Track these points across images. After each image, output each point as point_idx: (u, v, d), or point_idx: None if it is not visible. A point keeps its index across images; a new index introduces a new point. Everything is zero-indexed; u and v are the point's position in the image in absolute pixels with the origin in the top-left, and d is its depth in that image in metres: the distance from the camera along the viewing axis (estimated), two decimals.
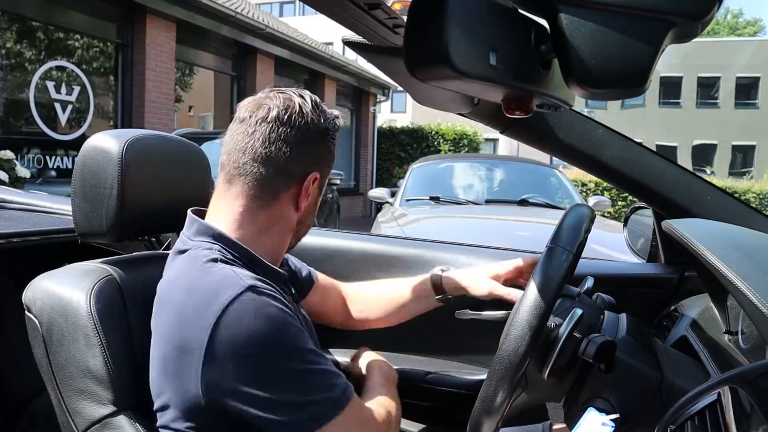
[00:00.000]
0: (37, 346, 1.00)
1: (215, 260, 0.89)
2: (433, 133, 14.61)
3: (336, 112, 1.01)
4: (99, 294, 0.98)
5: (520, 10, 0.62)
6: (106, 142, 1.07)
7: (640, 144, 1.35)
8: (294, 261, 1.25)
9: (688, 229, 0.93)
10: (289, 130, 0.93)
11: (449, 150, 14.20)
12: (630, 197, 12.81)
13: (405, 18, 0.60)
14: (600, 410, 0.87)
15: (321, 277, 1.30)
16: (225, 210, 0.96)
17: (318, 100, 0.99)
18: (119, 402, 0.95)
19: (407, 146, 14.68)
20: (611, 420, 0.85)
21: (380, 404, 0.97)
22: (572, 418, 0.92)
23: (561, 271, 0.86)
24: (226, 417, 0.86)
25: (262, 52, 10.04)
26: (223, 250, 0.92)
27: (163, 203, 1.14)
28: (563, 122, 1.31)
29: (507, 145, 13.66)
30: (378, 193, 5.42)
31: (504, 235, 3.36)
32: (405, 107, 27.59)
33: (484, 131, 15.26)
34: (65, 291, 0.98)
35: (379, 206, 5.45)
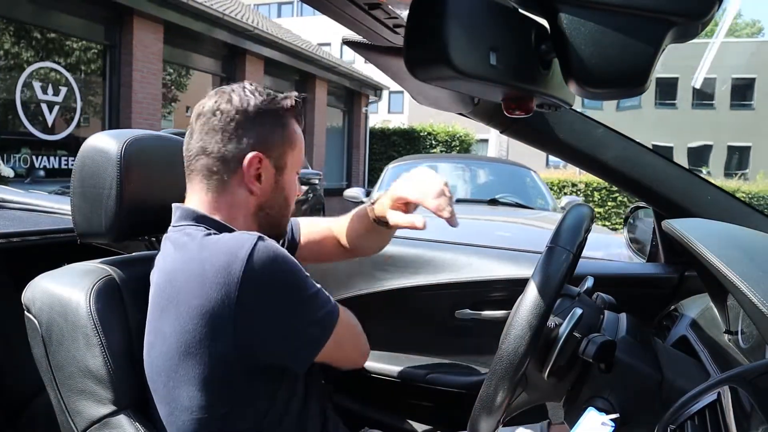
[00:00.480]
0: (36, 346, 1.00)
1: (209, 234, 0.95)
2: (426, 133, 14.67)
3: (293, 94, 1.04)
4: (98, 294, 0.98)
5: (521, 10, 0.62)
6: (105, 143, 1.07)
7: (640, 144, 1.35)
8: None
9: (688, 229, 0.93)
10: (217, 118, 0.98)
11: (442, 150, 14.24)
12: (620, 198, 12.84)
13: (405, 18, 0.60)
14: (600, 410, 0.87)
15: (307, 231, 1.31)
16: (196, 202, 1.02)
17: (257, 86, 1.03)
18: (119, 401, 0.95)
19: (399, 147, 14.76)
20: (611, 420, 0.85)
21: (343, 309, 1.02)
22: (572, 418, 0.92)
23: (561, 270, 0.86)
24: (250, 375, 0.92)
25: (252, 54, 10.15)
26: (208, 229, 0.97)
27: (162, 203, 1.14)
28: (563, 122, 1.31)
29: (497, 145, 13.45)
30: (353, 192, 5.46)
31: (471, 233, 3.36)
32: (402, 108, 27.57)
33: (477, 131, 15.22)
34: (65, 291, 0.98)
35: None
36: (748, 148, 26.83)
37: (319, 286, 0.96)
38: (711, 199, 1.32)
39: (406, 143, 14.80)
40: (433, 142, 14.57)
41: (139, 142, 1.09)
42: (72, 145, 7.27)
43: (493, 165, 5.72)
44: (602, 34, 0.55)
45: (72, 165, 1.10)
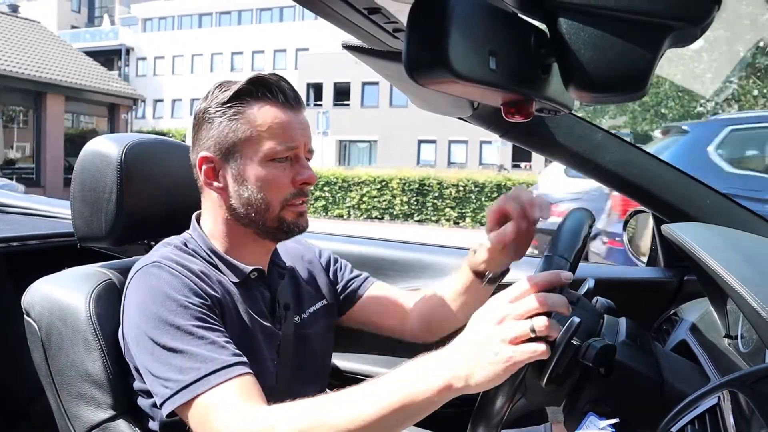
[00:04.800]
0: (36, 351, 1.00)
1: (167, 243, 1.01)
2: (170, 135, 17.48)
3: (236, 83, 0.98)
4: (98, 298, 0.98)
5: (520, 15, 0.63)
6: (105, 147, 1.07)
7: (639, 148, 1.35)
8: (343, 273, 1.21)
9: (687, 233, 0.93)
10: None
11: None
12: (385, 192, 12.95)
13: (405, 22, 0.60)
14: (600, 415, 0.87)
15: (377, 291, 1.24)
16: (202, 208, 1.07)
17: (218, 87, 1.00)
18: (118, 406, 0.95)
19: None
20: (611, 425, 0.85)
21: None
22: (572, 423, 0.91)
23: None
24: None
25: None
26: (191, 239, 1.02)
27: (162, 207, 1.14)
28: (563, 126, 1.31)
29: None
30: None
31: None
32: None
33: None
34: (64, 295, 0.98)
35: None
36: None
37: (194, 349, 0.84)
38: (710, 203, 1.32)
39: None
40: (183, 140, 16.96)
41: (140, 147, 1.09)
42: None
43: None
44: (601, 39, 0.55)
45: None
